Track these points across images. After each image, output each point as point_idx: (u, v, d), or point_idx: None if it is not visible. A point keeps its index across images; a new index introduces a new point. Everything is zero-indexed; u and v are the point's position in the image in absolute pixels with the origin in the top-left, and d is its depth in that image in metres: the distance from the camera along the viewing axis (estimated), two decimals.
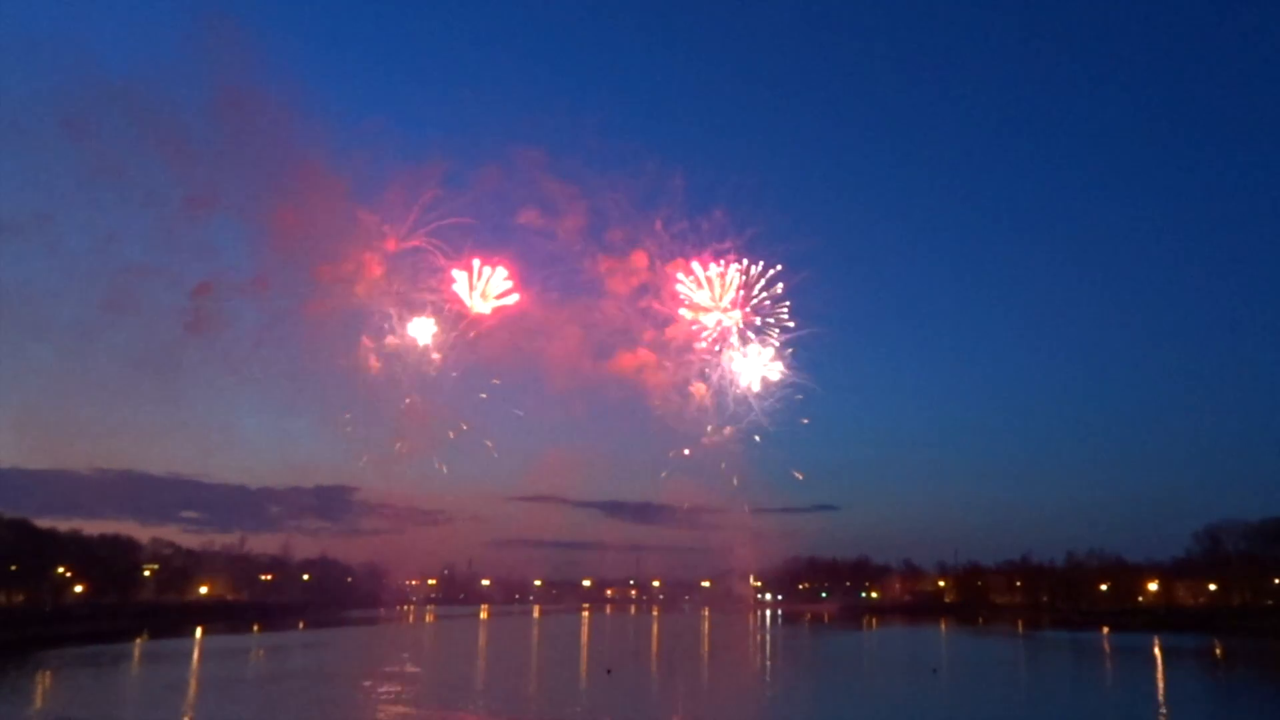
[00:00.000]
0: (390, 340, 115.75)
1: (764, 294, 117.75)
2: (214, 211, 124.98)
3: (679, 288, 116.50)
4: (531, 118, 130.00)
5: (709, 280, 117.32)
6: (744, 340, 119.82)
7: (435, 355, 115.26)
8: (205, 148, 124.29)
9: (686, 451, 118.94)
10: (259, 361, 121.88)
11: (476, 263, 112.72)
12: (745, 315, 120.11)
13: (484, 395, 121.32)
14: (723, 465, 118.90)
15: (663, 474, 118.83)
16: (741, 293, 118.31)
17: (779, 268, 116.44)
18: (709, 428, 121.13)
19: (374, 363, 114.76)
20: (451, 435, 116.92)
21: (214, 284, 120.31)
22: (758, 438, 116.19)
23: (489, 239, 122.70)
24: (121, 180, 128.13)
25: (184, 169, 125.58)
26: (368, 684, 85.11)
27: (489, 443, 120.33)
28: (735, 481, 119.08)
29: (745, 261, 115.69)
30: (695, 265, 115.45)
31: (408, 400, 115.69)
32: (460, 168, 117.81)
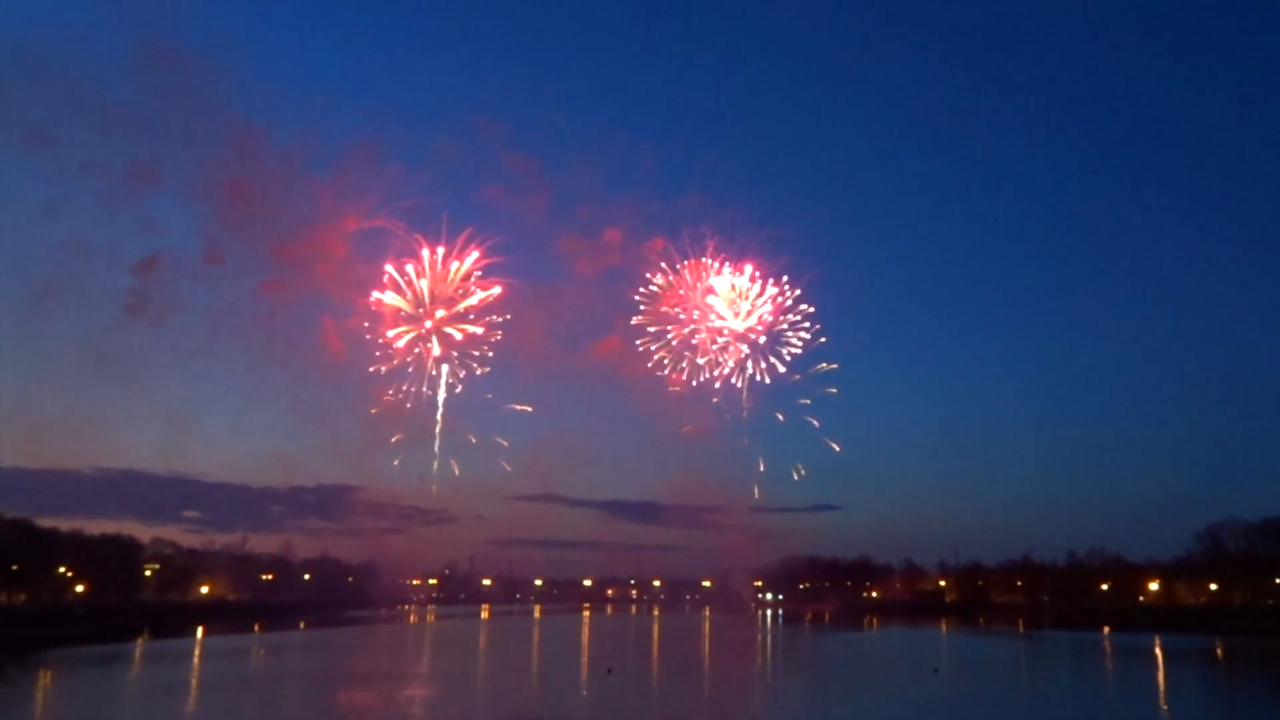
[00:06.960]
0: (360, 324, 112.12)
1: (777, 301, 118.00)
2: (158, 184, 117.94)
3: (711, 298, 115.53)
4: (493, 89, 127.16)
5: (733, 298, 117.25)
6: (753, 347, 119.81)
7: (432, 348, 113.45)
8: (139, 113, 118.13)
9: (688, 452, 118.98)
10: (215, 349, 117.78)
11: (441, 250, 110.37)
12: (762, 323, 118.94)
13: (489, 396, 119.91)
14: (724, 465, 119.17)
15: (664, 473, 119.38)
16: (761, 304, 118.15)
17: (786, 283, 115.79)
18: (710, 427, 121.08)
19: (338, 348, 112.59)
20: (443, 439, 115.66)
21: (160, 262, 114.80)
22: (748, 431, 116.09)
23: (453, 216, 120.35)
24: (58, 149, 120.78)
25: (120, 136, 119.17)
26: (370, 684, 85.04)
27: (472, 438, 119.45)
28: (743, 480, 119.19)
29: (758, 276, 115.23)
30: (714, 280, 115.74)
31: (391, 392, 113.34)
32: (421, 139, 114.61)
